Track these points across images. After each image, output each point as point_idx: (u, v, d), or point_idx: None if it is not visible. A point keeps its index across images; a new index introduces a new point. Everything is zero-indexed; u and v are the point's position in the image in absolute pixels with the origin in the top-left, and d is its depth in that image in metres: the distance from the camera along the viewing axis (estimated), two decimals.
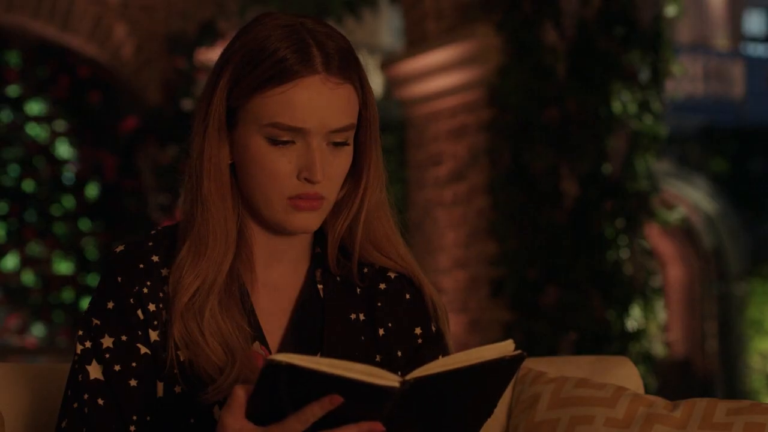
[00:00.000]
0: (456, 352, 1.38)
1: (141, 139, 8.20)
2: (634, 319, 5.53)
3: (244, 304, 1.51)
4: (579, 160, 5.46)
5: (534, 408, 1.83)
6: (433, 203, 6.05)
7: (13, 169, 8.77)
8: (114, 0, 8.10)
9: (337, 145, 1.48)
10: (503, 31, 5.60)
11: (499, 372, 1.35)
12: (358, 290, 1.57)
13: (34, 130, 8.80)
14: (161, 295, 1.49)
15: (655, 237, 13.09)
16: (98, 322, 1.48)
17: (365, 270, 1.58)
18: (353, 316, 1.56)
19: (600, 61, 5.51)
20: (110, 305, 1.48)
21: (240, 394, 1.30)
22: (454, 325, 5.86)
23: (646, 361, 5.57)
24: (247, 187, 1.50)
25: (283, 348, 1.53)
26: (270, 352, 1.51)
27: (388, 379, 1.25)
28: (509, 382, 1.39)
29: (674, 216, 6.32)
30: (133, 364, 1.47)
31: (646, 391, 1.93)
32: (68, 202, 8.79)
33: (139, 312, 1.48)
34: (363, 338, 1.55)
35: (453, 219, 5.92)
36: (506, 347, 1.35)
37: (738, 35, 17.85)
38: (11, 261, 8.74)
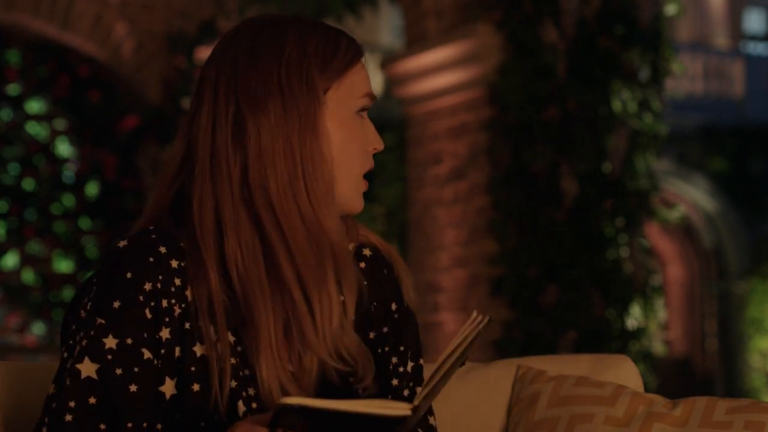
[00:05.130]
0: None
1: (141, 137, 8.21)
2: (633, 318, 5.53)
3: None
4: (579, 159, 5.46)
5: (533, 406, 1.83)
6: (433, 202, 6.05)
7: (13, 168, 8.78)
8: None
9: None
10: (503, 29, 5.60)
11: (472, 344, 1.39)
12: None
13: (34, 129, 8.81)
14: (173, 289, 1.46)
15: (654, 236, 13.11)
16: (102, 321, 1.44)
17: None
18: (341, 298, 1.56)
19: (600, 60, 5.51)
20: (116, 304, 1.44)
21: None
22: (454, 324, 5.86)
23: (645, 359, 5.58)
24: (336, 170, 1.52)
25: None
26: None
27: (400, 408, 1.28)
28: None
29: (674, 215, 6.32)
30: (136, 369, 1.43)
31: (646, 390, 1.93)
32: (68, 200, 8.79)
33: (147, 311, 1.44)
34: (354, 318, 1.55)
35: (453, 217, 5.92)
36: (478, 321, 1.37)
37: (738, 34, 17.85)
38: (11, 259, 8.75)
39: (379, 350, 1.57)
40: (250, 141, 1.47)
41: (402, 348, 1.59)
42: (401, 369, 1.58)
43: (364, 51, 1.56)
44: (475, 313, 1.37)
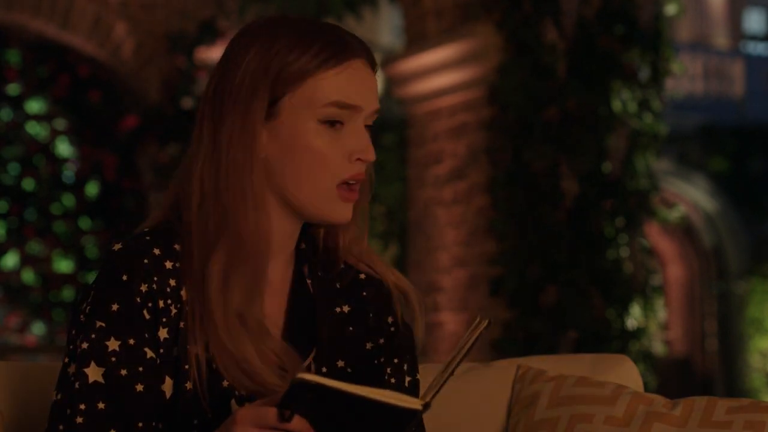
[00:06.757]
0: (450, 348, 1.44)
1: (141, 137, 8.21)
2: (633, 318, 5.53)
3: None
4: (579, 159, 5.46)
5: (534, 406, 1.83)
6: (433, 202, 6.05)
7: (14, 168, 8.78)
8: None
9: (367, 128, 1.53)
10: (503, 29, 5.60)
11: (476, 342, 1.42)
12: (338, 285, 1.59)
13: (34, 129, 8.81)
14: (168, 290, 1.47)
15: (654, 236, 13.10)
16: (102, 324, 1.45)
17: (342, 266, 1.60)
18: (338, 310, 1.57)
19: (600, 60, 5.51)
20: (115, 307, 1.45)
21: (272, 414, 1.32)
22: (454, 324, 5.86)
23: (645, 359, 5.57)
24: (289, 178, 1.50)
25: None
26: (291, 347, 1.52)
27: (411, 402, 1.31)
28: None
29: (674, 215, 6.32)
30: (140, 369, 1.45)
31: (646, 390, 1.93)
32: (68, 200, 8.80)
33: (145, 312, 1.46)
34: (351, 329, 1.57)
35: (453, 217, 5.92)
36: (479, 325, 1.40)
37: (738, 34, 17.85)
38: (11, 259, 8.75)
39: (376, 361, 1.58)
40: (212, 144, 1.50)
41: (396, 360, 1.60)
42: (393, 380, 1.59)
43: (359, 55, 1.51)
44: (478, 318, 1.40)
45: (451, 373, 1.35)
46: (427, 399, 1.32)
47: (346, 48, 1.50)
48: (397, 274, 1.62)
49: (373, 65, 1.54)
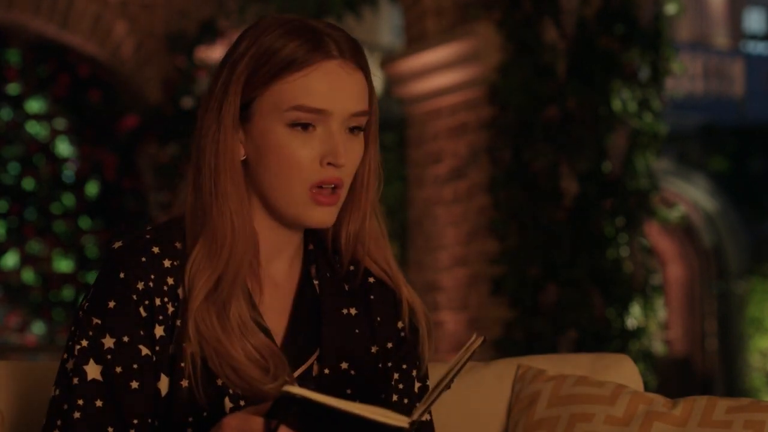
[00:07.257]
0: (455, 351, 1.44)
1: (141, 137, 8.21)
2: (633, 317, 5.53)
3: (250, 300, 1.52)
4: (579, 159, 5.46)
5: (533, 406, 1.83)
6: (433, 201, 6.05)
7: (14, 168, 8.78)
8: None
9: (352, 130, 1.51)
10: (503, 29, 5.60)
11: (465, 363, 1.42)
12: (347, 287, 1.59)
13: (34, 129, 8.81)
14: (165, 288, 1.48)
15: (654, 235, 13.09)
16: (99, 321, 1.47)
17: (351, 268, 1.60)
18: (345, 311, 1.57)
19: (600, 60, 5.51)
20: (111, 304, 1.47)
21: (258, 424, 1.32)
22: (454, 324, 5.86)
23: (645, 359, 5.57)
24: (264, 181, 1.50)
25: (286, 345, 1.54)
26: (276, 345, 1.52)
27: (398, 420, 1.30)
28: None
29: (674, 214, 6.32)
30: (135, 366, 1.46)
31: (646, 389, 1.93)
32: (68, 200, 8.79)
33: (142, 309, 1.47)
34: (357, 331, 1.57)
35: (453, 217, 5.92)
36: (473, 342, 1.40)
37: (738, 33, 17.85)
38: (11, 259, 8.75)
39: (380, 365, 1.58)
40: (198, 144, 1.53)
41: (405, 366, 1.60)
42: (401, 386, 1.59)
43: (333, 56, 1.49)
44: (474, 336, 1.40)
45: (445, 389, 1.35)
46: (414, 417, 1.31)
47: (316, 50, 1.48)
48: (413, 295, 1.61)
49: (359, 66, 1.51)
